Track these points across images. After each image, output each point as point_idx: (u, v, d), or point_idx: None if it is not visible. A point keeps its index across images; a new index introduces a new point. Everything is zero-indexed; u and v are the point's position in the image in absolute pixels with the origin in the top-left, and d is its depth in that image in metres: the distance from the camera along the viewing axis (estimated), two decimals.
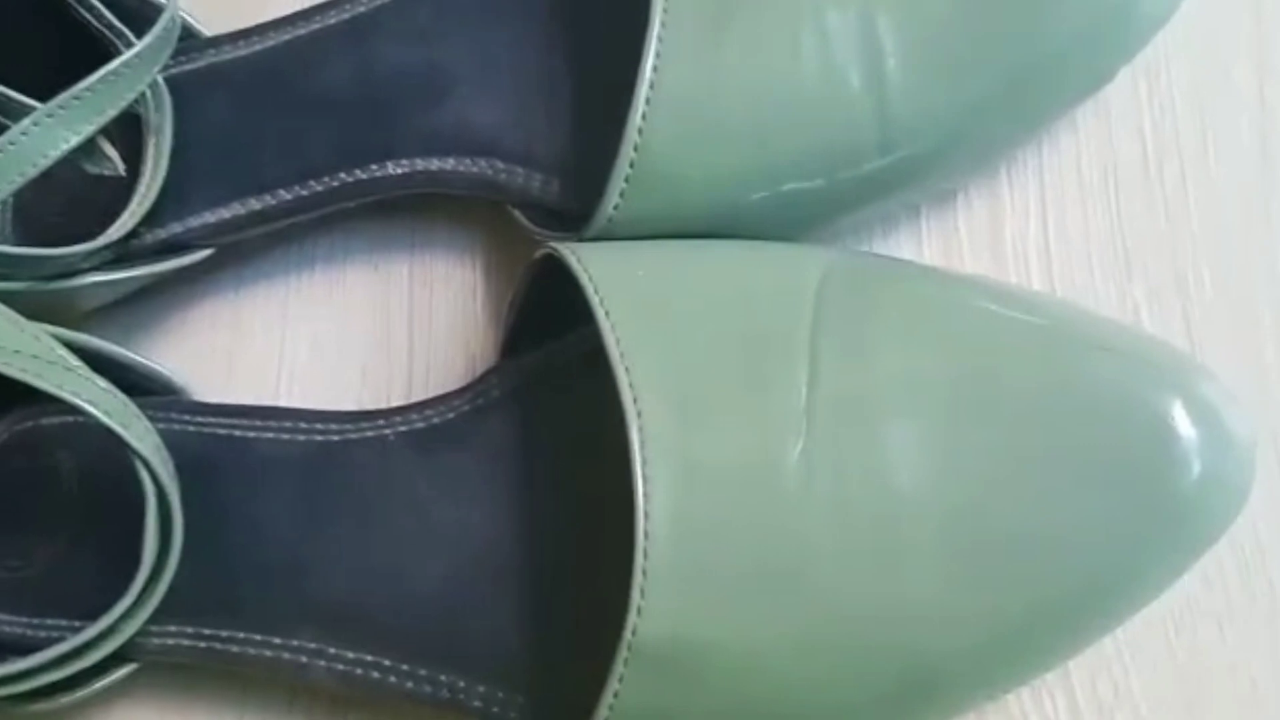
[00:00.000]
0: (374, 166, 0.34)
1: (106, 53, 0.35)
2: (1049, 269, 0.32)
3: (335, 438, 0.32)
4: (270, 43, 0.37)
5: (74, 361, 0.31)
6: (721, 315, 0.26)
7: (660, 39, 0.27)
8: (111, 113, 0.32)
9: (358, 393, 0.36)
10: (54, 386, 0.29)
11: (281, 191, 0.35)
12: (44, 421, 0.37)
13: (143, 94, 0.34)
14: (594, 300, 0.25)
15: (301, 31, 0.36)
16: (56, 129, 0.31)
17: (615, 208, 0.28)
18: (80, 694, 0.32)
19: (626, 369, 0.24)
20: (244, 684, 0.34)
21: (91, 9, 0.35)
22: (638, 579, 0.23)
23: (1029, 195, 0.33)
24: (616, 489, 0.29)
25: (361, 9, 0.36)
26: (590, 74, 0.33)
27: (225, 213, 0.35)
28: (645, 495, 0.23)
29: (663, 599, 0.23)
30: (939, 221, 0.32)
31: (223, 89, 0.36)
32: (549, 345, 0.31)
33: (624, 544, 0.25)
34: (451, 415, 0.31)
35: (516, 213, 0.33)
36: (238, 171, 0.35)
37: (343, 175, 0.34)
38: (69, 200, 0.36)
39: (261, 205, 0.35)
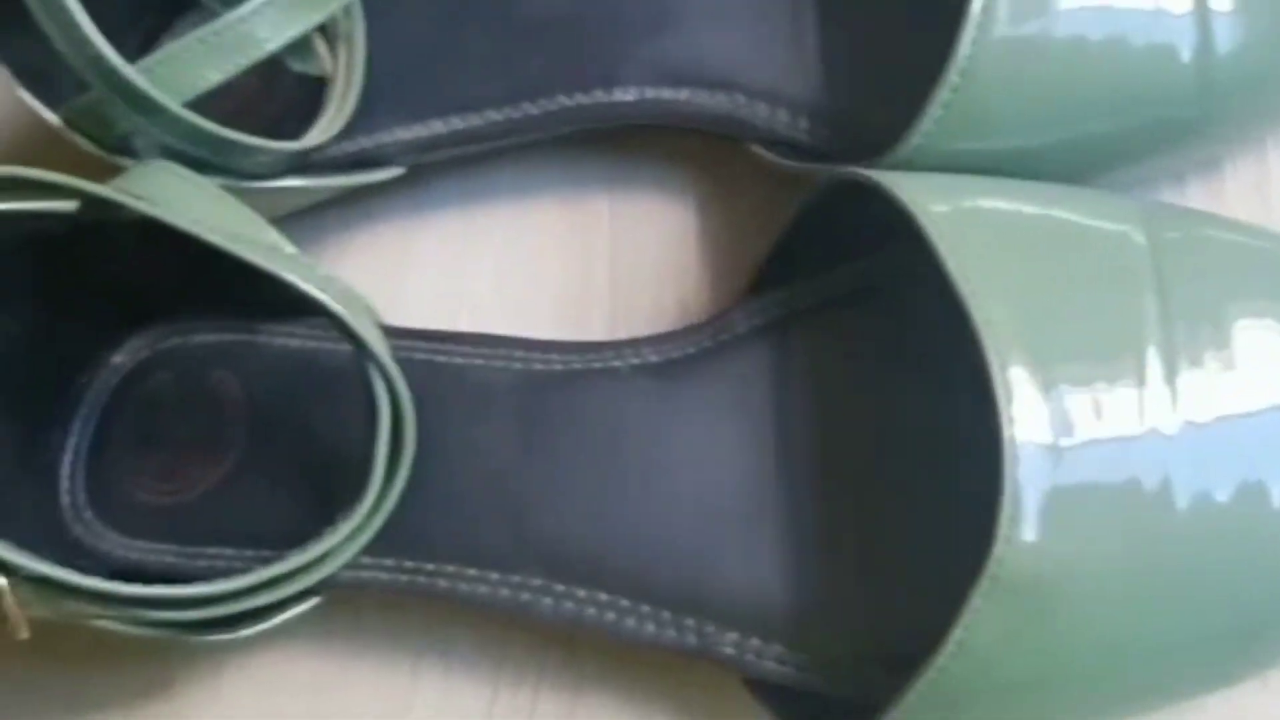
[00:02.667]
0: (599, 92, 0.32)
1: None
2: None
3: (558, 367, 0.30)
4: None
5: (301, 256, 0.28)
6: (1055, 245, 0.25)
7: None
8: (335, 6, 0.30)
9: (549, 330, 0.33)
10: (295, 276, 0.26)
11: (490, 111, 0.33)
12: (195, 339, 0.34)
13: None
14: (926, 225, 0.24)
15: None
16: (280, 16, 0.28)
17: (924, 137, 0.26)
18: (260, 627, 0.29)
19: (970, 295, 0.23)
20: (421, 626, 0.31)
21: None
22: (1006, 510, 0.21)
23: None
24: (892, 424, 0.28)
25: None
26: (837, 3, 0.32)
27: (423, 130, 0.33)
28: (1005, 419, 0.22)
29: (1030, 529, 0.22)
30: (1204, 185, 0.31)
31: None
32: (799, 284, 0.29)
33: (908, 480, 0.24)
34: (691, 350, 0.30)
35: (757, 148, 0.31)
36: (440, 87, 0.33)
37: (561, 99, 0.32)
38: (265, 100, 0.33)
39: (465, 124, 0.33)
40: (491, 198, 0.35)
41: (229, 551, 0.31)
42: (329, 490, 0.31)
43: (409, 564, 0.29)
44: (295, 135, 0.32)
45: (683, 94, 0.32)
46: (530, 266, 0.34)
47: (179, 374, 0.33)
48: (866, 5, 0.31)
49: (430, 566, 0.29)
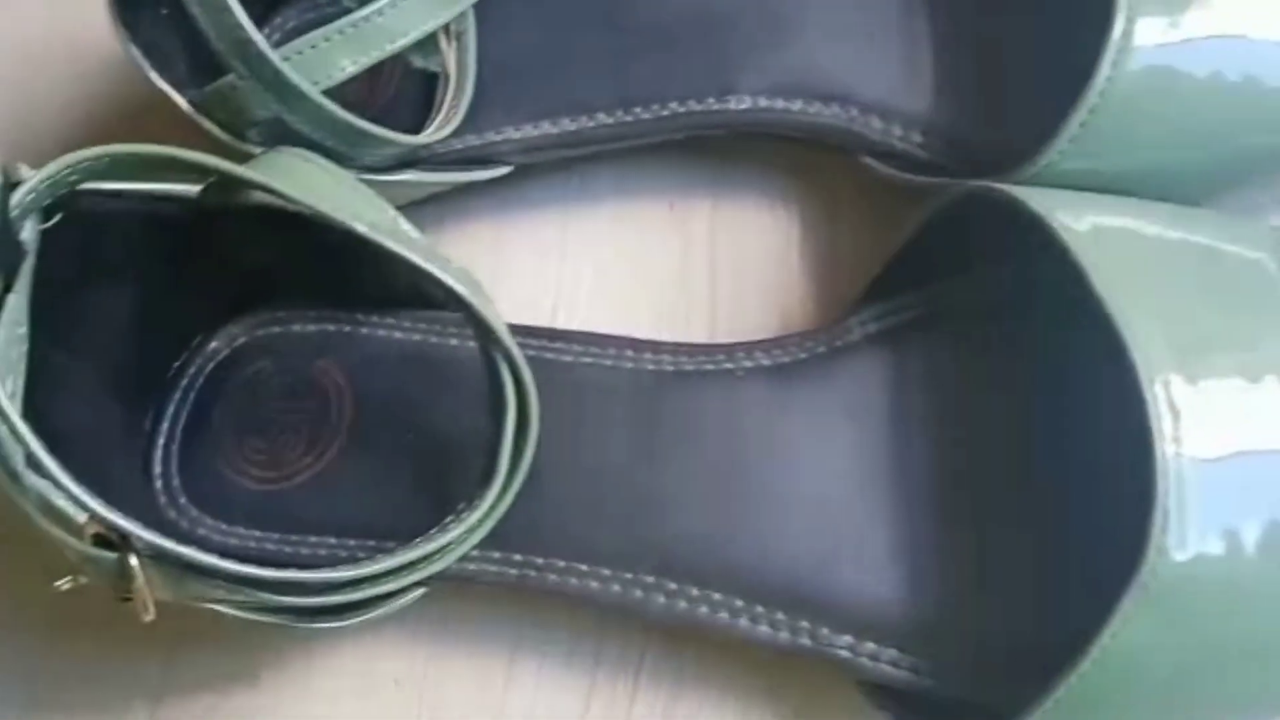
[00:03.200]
0: (712, 100, 0.33)
1: None
2: None
3: (669, 368, 0.31)
4: None
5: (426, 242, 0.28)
6: (1193, 265, 0.25)
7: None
8: (467, 3, 0.30)
9: (647, 333, 0.33)
10: (434, 267, 0.27)
11: (601, 115, 0.33)
12: (294, 329, 0.34)
13: None
14: (1070, 242, 0.24)
15: None
16: (421, 9, 0.29)
17: (1047, 163, 0.27)
18: (367, 616, 0.29)
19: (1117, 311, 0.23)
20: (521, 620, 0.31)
21: None
22: (1158, 518, 0.22)
23: None
24: (1014, 433, 0.28)
25: None
26: (953, 23, 0.32)
27: (533, 130, 0.34)
28: (1156, 432, 0.22)
29: (1181, 539, 0.22)
30: None
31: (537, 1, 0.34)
32: (915, 293, 0.30)
33: (1030, 487, 0.24)
34: (804, 355, 0.30)
35: (869, 160, 0.32)
36: (552, 88, 0.34)
37: (674, 105, 0.33)
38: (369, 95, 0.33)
39: (576, 126, 0.33)
40: (591, 199, 0.36)
41: (331, 540, 0.31)
42: (434, 482, 0.31)
43: (518, 557, 0.30)
44: (401, 130, 0.33)
45: (796, 105, 0.32)
46: (629, 269, 0.35)
47: (279, 362, 0.33)
48: (980, 22, 0.32)
49: (540, 560, 0.29)
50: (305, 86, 0.27)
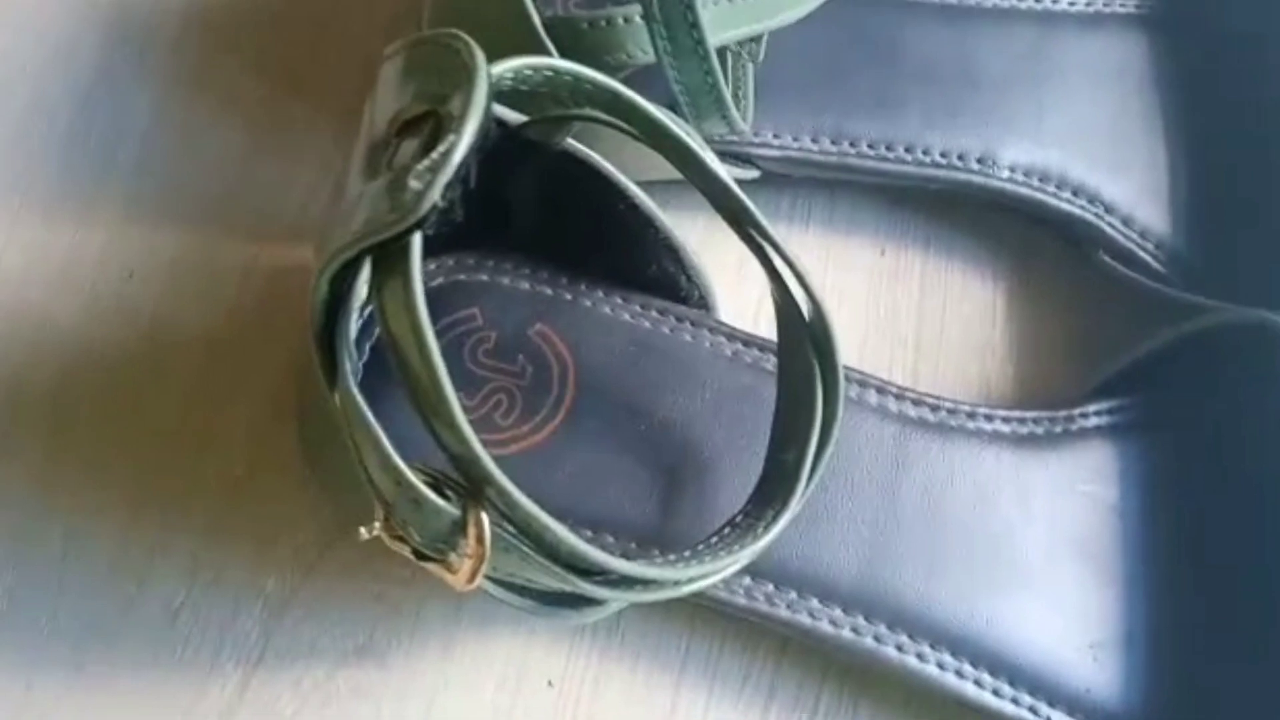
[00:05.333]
0: (974, 164, 0.33)
1: None
2: None
3: (912, 414, 0.30)
4: None
5: None
6: None
7: None
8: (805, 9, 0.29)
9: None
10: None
11: (864, 146, 0.33)
12: (506, 283, 0.31)
13: None
14: None
15: None
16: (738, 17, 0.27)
17: None
18: (598, 615, 0.27)
19: None
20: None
21: None
22: None
23: None
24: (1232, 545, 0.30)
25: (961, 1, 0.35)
26: (1201, 154, 0.34)
27: (793, 142, 0.33)
28: None
29: None
30: None
31: (811, 25, 0.33)
32: (1154, 397, 0.31)
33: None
34: (1042, 431, 0.31)
35: (1105, 258, 0.33)
36: (822, 109, 0.33)
37: (936, 156, 0.33)
38: None
39: (837, 150, 0.33)
40: (801, 223, 0.35)
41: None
42: (658, 481, 0.29)
43: (747, 581, 0.28)
44: None
45: (1050, 188, 0.33)
46: (833, 305, 0.34)
47: (490, 315, 0.30)
48: (1221, 143, 0.34)
49: (770, 588, 0.28)
50: (709, 45, 0.25)
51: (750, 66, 0.31)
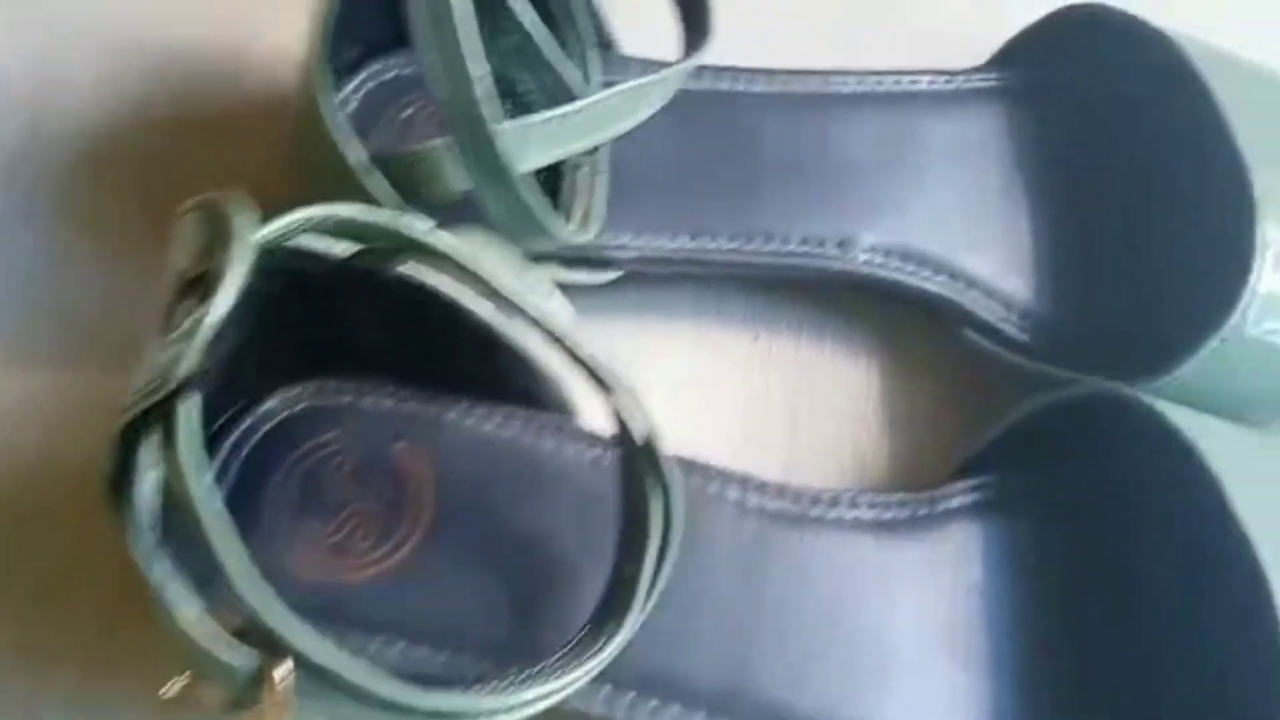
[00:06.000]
0: (831, 248, 0.33)
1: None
2: None
3: (773, 506, 0.30)
4: (716, 86, 0.35)
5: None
6: None
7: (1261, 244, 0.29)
8: (644, 115, 0.30)
9: (726, 459, 0.33)
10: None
11: (722, 240, 0.33)
12: (367, 401, 0.32)
13: None
14: (1204, 454, 0.26)
15: (746, 88, 0.35)
16: (622, 109, 0.28)
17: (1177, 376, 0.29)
18: None
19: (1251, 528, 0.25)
20: None
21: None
22: None
23: None
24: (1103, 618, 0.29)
25: (813, 89, 0.35)
26: (1058, 221, 0.34)
27: (652, 241, 0.34)
28: None
29: None
30: None
31: (673, 116, 0.33)
32: (1019, 472, 0.31)
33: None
34: (906, 515, 0.31)
35: (971, 333, 0.33)
36: (681, 205, 0.34)
37: (794, 245, 0.33)
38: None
39: (696, 246, 0.34)
40: (672, 315, 0.35)
41: (401, 644, 0.28)
42: (520, 592, 0.29)
43: (607, 690, 0.28)
44: None
45: (910, 268, 0.33)
46: (709, 395, 0.35)
47: (351, 439, 0.31)
48: (1079, 220, 0.34)
49: (632, 695, 0.28)
50: (515, 169, 0.25)
51: (596, 175, 0.32)
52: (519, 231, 0.27)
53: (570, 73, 0.32)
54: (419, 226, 0.23)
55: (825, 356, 0.35)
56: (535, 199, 0.26)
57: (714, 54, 0.37)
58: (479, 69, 0.24)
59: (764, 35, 0.38)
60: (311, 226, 0.22)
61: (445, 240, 0.23)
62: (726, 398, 0.35)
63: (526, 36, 0.28)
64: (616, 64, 0.35)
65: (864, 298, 0.36)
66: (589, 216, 0.31)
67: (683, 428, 0.34)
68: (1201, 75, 0.32)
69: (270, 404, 0.31)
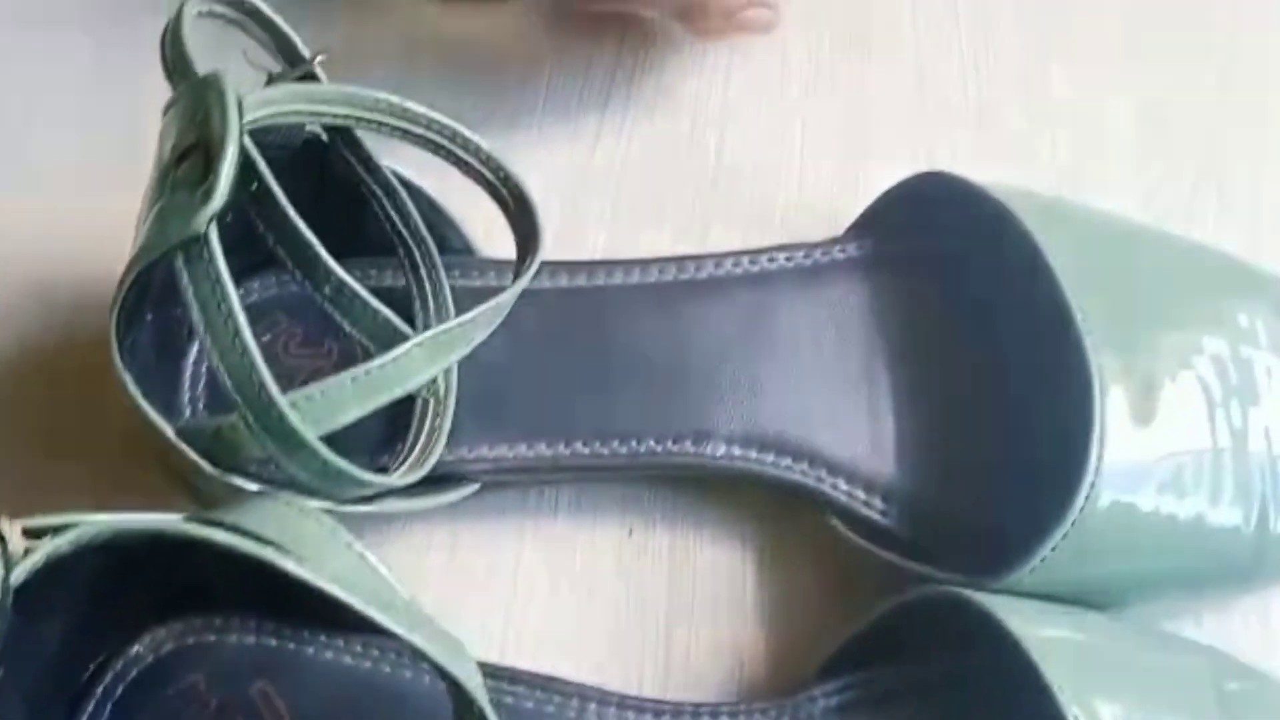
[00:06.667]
0: (688, 445, 0.33)
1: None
2: None
3: None
4: (567, 283, 0.36)
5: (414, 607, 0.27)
6: (1139, 678, 0.27)
7: (1100, 427, 0.28)
8: (467, 349, 0.30)
9: (601, 667, 0.33)
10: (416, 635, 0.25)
11: (578, 445, 0.33)
12: (230, 640, 0.32)
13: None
14: (1046, 677, 0.26)
15: (601, 282, 0.35)
16: (426, 359, 0.29)
17: (1029, 572, 0.29)
18: None
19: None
20: None
21: (402, 210, 0.33)
22: None
23: None
24: None
25: (669, 278, 0.36)
26: (917, 399, 0.34)
27: (508, 451, 0.33)
28: None
29: None
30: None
31: (520, 320, 0.34)
32: (876, 669, 0.30)
33: None
34: None
35: (836, 521, 0.33)
36: (529, 412, 0.34)
37: (651, 444, 0.34)
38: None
39: (551, 452, 0.34)
40: (549, 513, 0.35)
41: None
42: None
43: None
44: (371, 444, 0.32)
45: (769, 458, 0.33)
46: (585, 593, 0.34)
47: (213, 679, 0.31)
48: (940, 403, 0.34)
49: None
50: (309, 438, 0.26)
51: (440, 401, 0.32)
52: (334, 490, 0.28)
53: (438, 287, 0.33)
54: (201, 530, 0.23)
55: (702, 546, 0.35)
56: (342, 462, 0.27)
57: (573, 249, 0.38)
58: (257, 352, 0.24)
59: (626, 225, 0.39)
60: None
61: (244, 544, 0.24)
62: (601, 596, 0.35)
63: (340, 285, 0.29)
64: (475, 267, 0.36)
65: (745, 491, 0.36)
66: (428, 450, 0.31)
67: (557, 630, 0.34)
68: (1040, 248, 0.31)
69: (138, 648, 0.32)
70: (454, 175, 0.33)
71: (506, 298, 0.30)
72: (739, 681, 0.33)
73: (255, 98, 0.27)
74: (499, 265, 0.36)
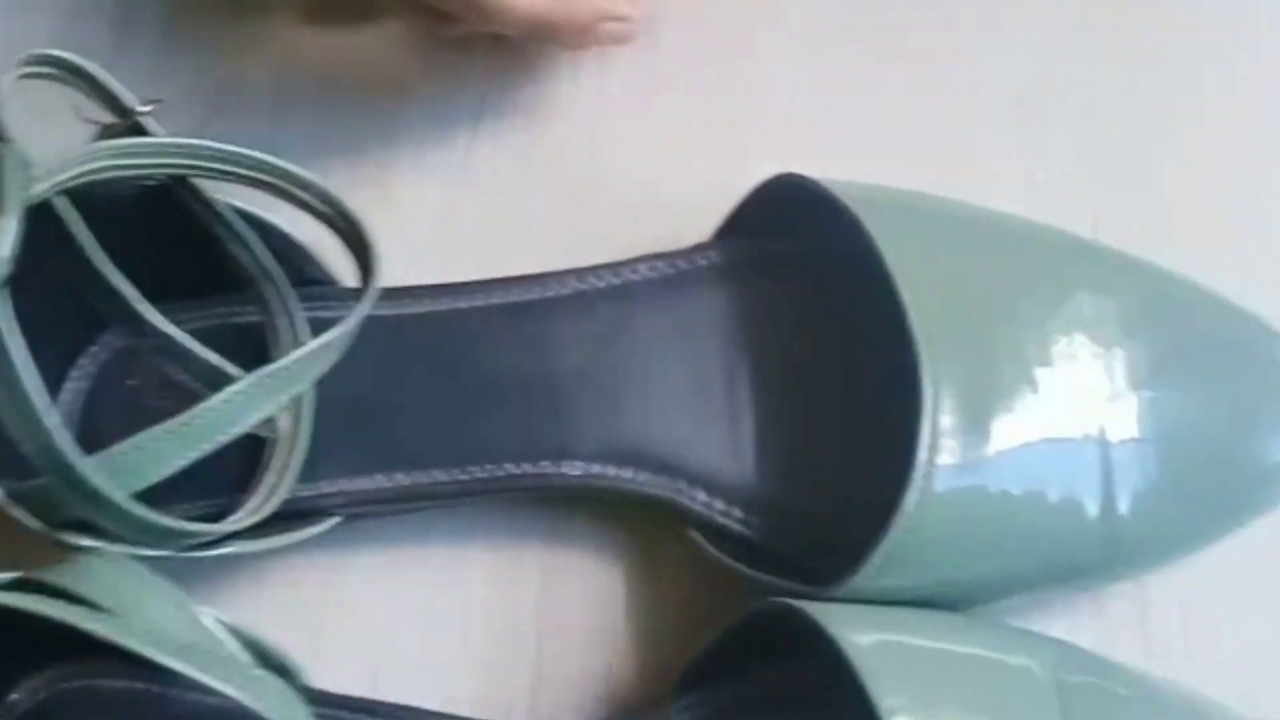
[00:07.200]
0: (545, 464, 0.33)
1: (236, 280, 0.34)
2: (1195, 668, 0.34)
3: None
4: (428, 308, 0.35)
5: (237, 652, 0.27)
6: (972, 677, 0.27)
7: (930, 429, 0.28)
8: (303, 387, 0.30)
9: (474, 690, 0.34)
10: (220, 681, 0.26)
11: (437, 471, 0.33)
12: (100, 683, 0.32)
13: None
14: (867, 683, 0.25)
15: (463, 304, 0.35)
16: (254, 401, 0.29)
17: (864, 579, 0.28)
18: None
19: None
20: None
21: (247, 247, 0.33)
22: None
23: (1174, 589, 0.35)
24: None
25: (532, 296, 0.35)
26: (777, 407, 0.34)
27: (367, 483, 0.34)
28: None
29: None
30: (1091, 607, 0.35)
31: (373, 349, 0.34)
32: (729, 684, 0.30)
33: None
34: None
35: (695, 534, 0.33)
36: (387, 441, 0.34)
37: (509, 466, 0.33)
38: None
39: (410, 481, 0.34)
40: (423, 542, 0.36)
41: None
42: None
43: None
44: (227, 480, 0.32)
45: (628, 473, 0.33)
46: (457, 617, 0.35)
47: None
48: (799, 411, 0.34)
49: None
50: (114, 495, 0.26)
51: (290, 436, 0.32)
52: (160, 542, 0.28)
53: (292, 320, 0.33)
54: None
55: (573, 564, 0.35)
56: (154, 515, 0.27)
57: (447, 270, 0.38)
58: (53, 419, 0.25)
59: (498, 243, 0.39)
60: None
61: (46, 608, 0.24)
62: (474, 616, 0.35)
63: (168, 338, 0.29)
64: (335, 297, 0.36)
65: (615, 506, 0.35)
66: (275, 489, 0.31)
67: (431, 652, 0.35)
68: (880, 252, 0.31)
69: (15, 696, 0.32)
70: None
71: (338, 332, 0.30)
72: (610, 700, 0.34)
73: (60, 162, 0.27)
74: (359, 294, 0.36)
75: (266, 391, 0.29)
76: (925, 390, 0.29)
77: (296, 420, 0.33)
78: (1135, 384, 0.30)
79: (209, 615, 0.28)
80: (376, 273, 0.32)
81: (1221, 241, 0.39)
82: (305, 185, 0.32)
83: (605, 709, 0.33)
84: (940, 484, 0.28)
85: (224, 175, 0.31)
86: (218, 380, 0.31)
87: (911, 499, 0.28)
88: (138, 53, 0.42)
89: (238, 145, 0.33)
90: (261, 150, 0.39)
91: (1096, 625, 0.34)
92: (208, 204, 0.33)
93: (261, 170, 0.31)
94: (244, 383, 0.28)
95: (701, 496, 0.33)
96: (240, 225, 0.33)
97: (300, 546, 0.35)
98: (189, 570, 0.35)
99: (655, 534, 0.35)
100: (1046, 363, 0.30)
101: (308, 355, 0.29)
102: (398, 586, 0.35)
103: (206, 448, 0.28)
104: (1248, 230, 0.40)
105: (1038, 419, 0.29)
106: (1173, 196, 0.40)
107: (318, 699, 0.32)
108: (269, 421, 0.32)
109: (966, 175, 0.40)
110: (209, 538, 0.30)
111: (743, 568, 0.32)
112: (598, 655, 0.34)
